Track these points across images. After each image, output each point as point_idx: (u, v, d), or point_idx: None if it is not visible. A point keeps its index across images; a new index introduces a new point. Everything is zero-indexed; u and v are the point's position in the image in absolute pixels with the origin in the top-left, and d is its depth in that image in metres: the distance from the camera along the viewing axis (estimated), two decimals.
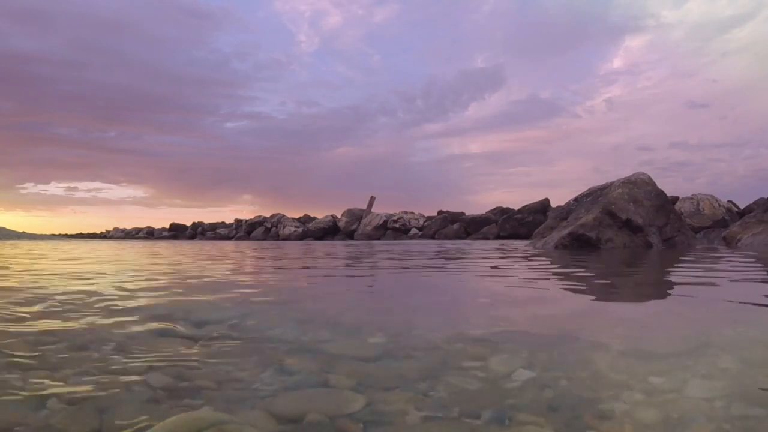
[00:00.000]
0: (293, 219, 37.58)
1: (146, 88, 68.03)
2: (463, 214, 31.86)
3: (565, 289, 3.38)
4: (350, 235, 33.01)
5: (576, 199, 12.10)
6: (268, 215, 38.83)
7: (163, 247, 14.20)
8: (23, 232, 34.20)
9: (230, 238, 37.09)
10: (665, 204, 10.93)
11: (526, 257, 6.99)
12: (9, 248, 11.89)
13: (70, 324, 1.88)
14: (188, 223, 45.08)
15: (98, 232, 59.97)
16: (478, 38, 79.67)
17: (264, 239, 33.98)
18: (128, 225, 57.61)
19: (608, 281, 3.81)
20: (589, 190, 11.86)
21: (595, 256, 7.36)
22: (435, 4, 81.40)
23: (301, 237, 33.81)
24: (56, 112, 64.73)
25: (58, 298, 2.60)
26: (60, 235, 57.02)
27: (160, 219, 77.75)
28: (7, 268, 4.99)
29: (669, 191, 12.04)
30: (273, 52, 78.33)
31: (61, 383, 1.17)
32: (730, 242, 10.94)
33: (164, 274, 4.30)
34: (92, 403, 1.05)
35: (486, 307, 2.52)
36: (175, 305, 2.40)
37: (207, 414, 0.97)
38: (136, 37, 63.57)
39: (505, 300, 2.75)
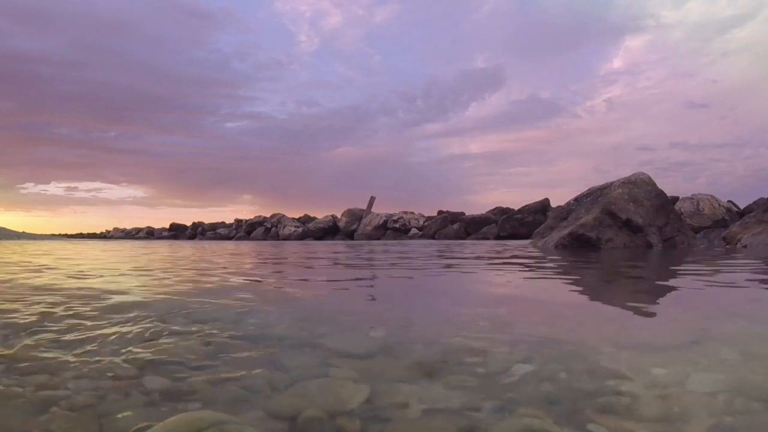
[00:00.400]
0: (293, 219, 37.56)
1: (146, 88, 67.96)
2: (463, 214, 31.85)
3: (564, 286, 3.38)
4: (350, 235, 33.01)
5: (576, 199, 12.11)
6: (268, 215, 38.81)
7: (163, 246, 14.20)
8: (23, 232, 34.16)
9: (230, 238, 37.09)
10: (665, 204, 10.94)
11: (525, 257, 6.99)
12: (11, 248, 11.89)
13: (69, 324, 1.88)
14: (188, 223, 45.06)
15: (98, 232, 59.99)
16: (478, 38, 79.70)
17: (264, 239, 33.99)
18: (128, 225, 57.63)
19: (608, 280, 3.81)
20: (589, 190, 11.87)
21: (595, 255, 7.36)
22: (435, 4, 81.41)
23: (301, 237, 33.81)
24: (56, 112, 64.67)
25: (59, 297, 2.60)
26: (60, 235, 57.01)
27: (160, 219, 77.88)
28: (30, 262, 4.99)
29: (669, 191, 12.05)
30: (273, 52, 78.25)
31: (61, 387, 1.16)
32: (730, 242, 10.96)
33: (164, 272, 4.30)
34: (92, 407, 1.04)
35: (485, 304, 2.51)
36: (175, 305, 2.40)
37: (207, 414, 0.97)
38: (137, 37, 63.51)
39: (504, 297, 2.75)
